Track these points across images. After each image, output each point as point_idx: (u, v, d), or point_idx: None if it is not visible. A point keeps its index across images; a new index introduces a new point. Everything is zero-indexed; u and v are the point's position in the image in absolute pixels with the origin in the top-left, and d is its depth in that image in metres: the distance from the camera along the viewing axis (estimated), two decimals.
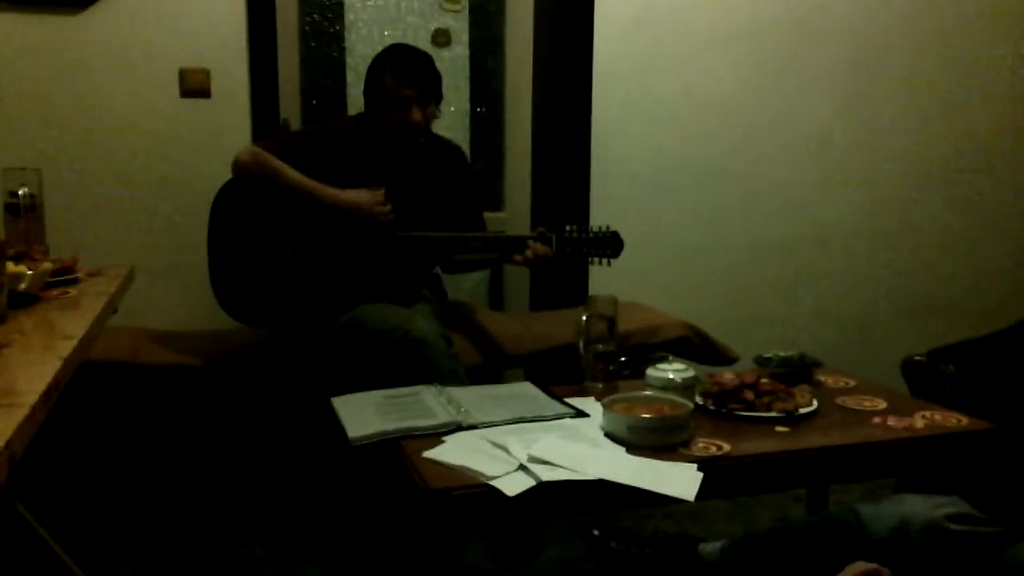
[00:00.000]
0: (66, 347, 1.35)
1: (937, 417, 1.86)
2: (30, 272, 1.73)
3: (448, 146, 2.76)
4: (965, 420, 1.85)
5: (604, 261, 2.50)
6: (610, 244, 2.49)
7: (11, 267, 1.68)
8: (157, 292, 2.90)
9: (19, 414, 1.01)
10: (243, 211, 2.53)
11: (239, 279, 2.52)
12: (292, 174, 2.47)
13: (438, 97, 2.58)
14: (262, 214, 2.51)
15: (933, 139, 3.63)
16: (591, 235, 2.50)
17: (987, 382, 2.32)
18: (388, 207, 2.51)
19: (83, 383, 1.71)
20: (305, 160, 2.49)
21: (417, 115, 2.50)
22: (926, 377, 2.34)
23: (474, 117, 3.40)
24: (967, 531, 1.52)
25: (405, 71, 2.49)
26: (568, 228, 2.50)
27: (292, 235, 2.52)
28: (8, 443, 0.92)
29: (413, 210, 2.56)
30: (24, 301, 1.69)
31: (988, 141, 3.67)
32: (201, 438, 2.65)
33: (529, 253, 2.45)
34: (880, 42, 3.50)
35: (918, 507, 1.52)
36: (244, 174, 2.49)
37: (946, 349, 2.43)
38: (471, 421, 1.80)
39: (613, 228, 2.50)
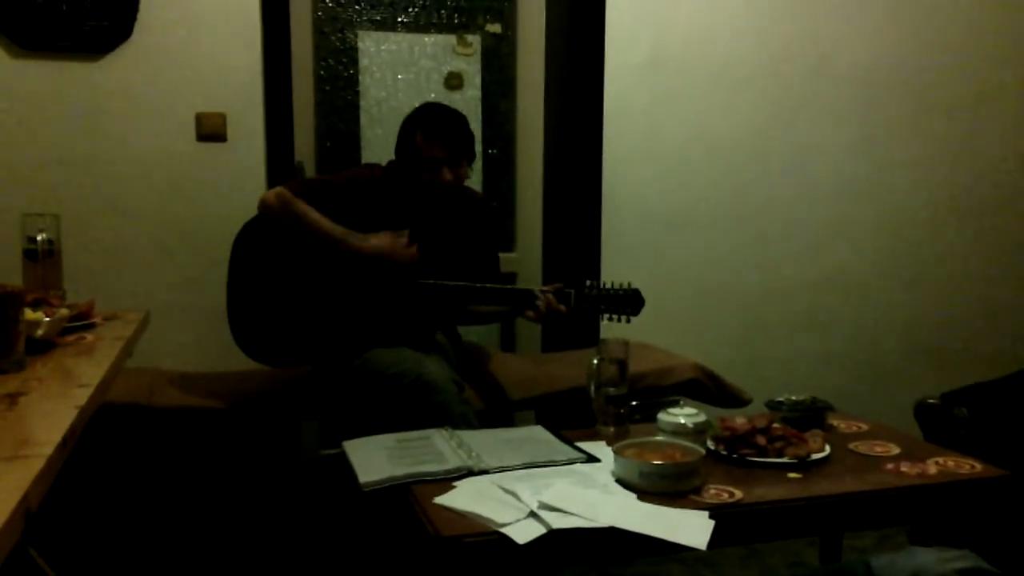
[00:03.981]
0: (82, 395, 1.37)
1: (951, 463, 1.85)
2: (47, 319, 1.76)
3: (474, 197, 2.78)
4: (979, 467, 1.83)
5: (623, 319, 2.42)
6: (630, 302, 2.41)
7: (29, 314, 1.70)
8: (172, 334, 2.91)
9: (36, 466, 1.02)
10: (265, 250, 2.55)
11: (258, 317, 2.53)
12: (317, 218, 2.48)
13: (471, 157, 2.59)
14: (284, 254, 2.54)
15: (944, 178, 3.63)
16: (611, 292, 2.41)
17: (1001, 426, 2.30)
18: (413, 249, 2.52)
19: (99, 424, 1.72)
20: (330, 208, 2.51)
21: (448, 176, 2.52)
22: (939, 420, 2.34)
23: (486, 159, 3.43)
24: None
25: (438, 133, 2.50)
26: (588, 284, 2.43)
27: (312, 276, 2.54)
28: (25, 496, 0.93)
29: (436, 257, 2.57)
30: (41, 347, 1.71)
31: (1000, 179, 3.68)
32: (215, 480, 2.66)
33: (541, 305, 2.40)
34: (890, 82, 3.52)
35: (930, 560, 1.50)
36: (269, 215, 2.51)
37: (959, 392, 2.42)
38: (482, 466, 1.80)
39: (634, 286, 2.41)
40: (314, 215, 2.48)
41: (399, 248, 2.51)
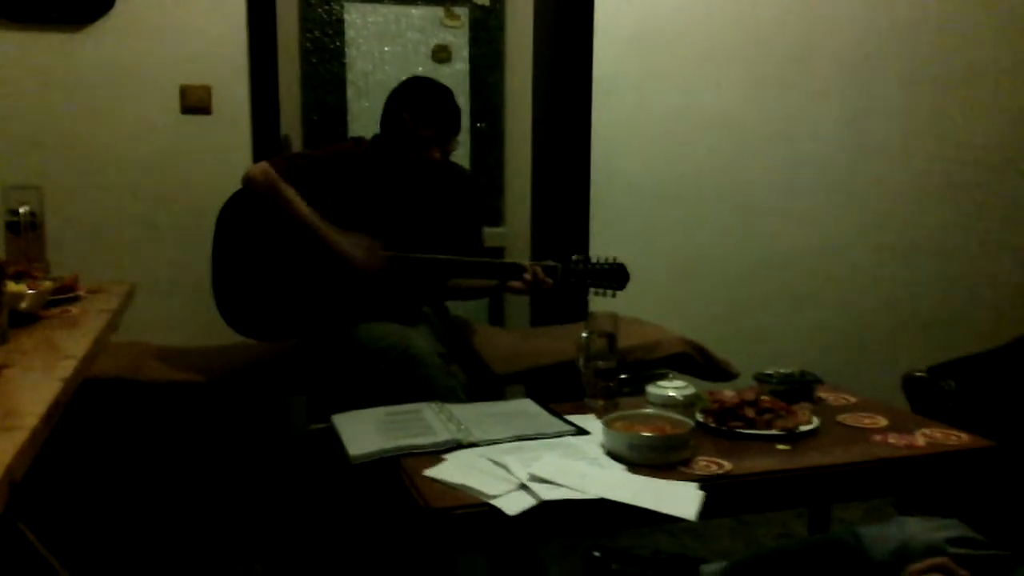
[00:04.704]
0: (67, 367, 1.36)
1: (938, 435, 1.86)
2: (31, 291, 1.74)
3: (460, 173, 2.76)
4: (966, 438, 1.84)
5: (608, 293, 2.43)
6: (615, 277, 2.42)
7: (11, 286, 1.68)
8: (157, 308, 2.89)
9: (20, 437, 1.01)
10: (250, 224, 2.53)
11: (243, 291, 2.52)
12: (297, 204, 2.47)
13: (457, 131, 2.56)
14: (268, 227, 2.52)
15: (933, 152, 3.64)
16: (597, 267, 2.42)
17: (988, 398, 2.32)
18: (383, 261, 2.49)
19: (84, 399, 1.71)
20: (315, 183, 2.50)
21: (437, 154, 2.50)
22: (927, 393, 2.34)
23: (474, 132, 3.41)
24: (967, 554, 1.52)
25: (426, 111, 2.47)
26: (575, 259, 2.44)
27: (297, 249, 2.52)
28: (9, 467, 0.92)
29: (420, 236, 2.55)
30: (25, 320, 1.69)
31: (988, 154, 3.68)
32: (202, 454, 2.65)
33: (528, 276, 2.41)
34: (879, 56, 3.52)
35: (918, 529, 1.51)
36: (253, 191, 2.50)
37: (947, 365, 2.43)
38: (472, 439, 1.80)
39: (619, 260, 2.42)
40: (295, 200, 2.47)
41: (369, 258, 2.49)
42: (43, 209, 2.21)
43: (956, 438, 1.84)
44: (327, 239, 2.49)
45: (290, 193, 2.47)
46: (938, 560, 1.41)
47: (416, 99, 2.49)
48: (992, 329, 3.52)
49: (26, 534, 1.81)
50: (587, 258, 2.45)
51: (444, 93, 2.53)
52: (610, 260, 2.43)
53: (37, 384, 1.28)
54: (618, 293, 2.43)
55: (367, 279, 2.50)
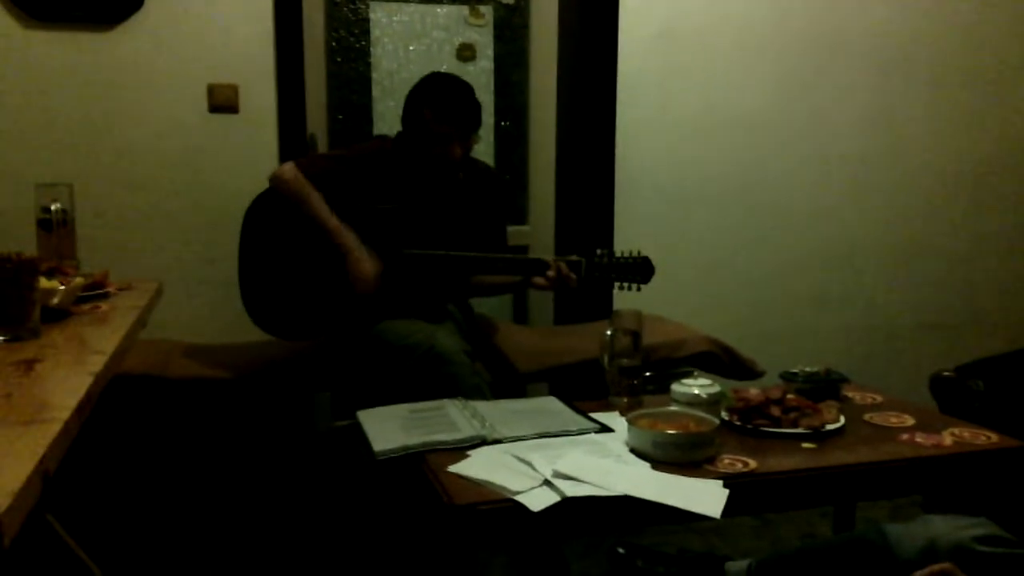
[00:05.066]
0: (97, 362, 1.37)
1: (966, 434, 1.84)
2: (62, 287, 1.76)
3: (484, 170, 2.77)
4: (995, 438, 1.83)
5: (633, 287, 2.43)
6: (640, 270, 2.42)
7: (43, 282, 1.70)
8: (185, 305, 2.92)
9: (53, 430, 1.03)
10: (275, 223, 2.55)
11: (269, 290, 2.54)
12: (319, 209, 2.48)
13: (477, 127, 2.57)
14: (294, 226, 2.54)
15: (960, 150, 3.60)
16: (621, 260, 2.42)
17: (1017, 399, 2.29)
18: (367, 289, 2.49)
19: (114, 395, 1.73)
20: (341, 183, 2.51)
21: (457, 150, 2.50)
22: (954, 393, 2.32)
23: (498, 131, 3.41)
24: (995, 553, 1.50)
25: (447, 108, 2.47)
26: (599, 253, 2.43)
27: (323, 248, 2.53)
28: (42, 459, 0.94)
29: (445, 233, 2.56)
30: (56, 316, 1.71)
31: (1015, 150, 3.64)
32: (228, 450, 2.67)
33: (552, 273, 2.41)
34: (904, 54, 3.49)
35: (946, 528, 1.50)
36: (279, 190, 2.52)
37: (975, 365, 2.41)
38: (496, 436, 1.80)
39: (644, 253, 2.42)
40: (318, 205, 2.48)
41: (364, 276, 2.49)
42: (74, 206, 2.23)
43: (985, 438, 1.83)
44: (341, 245, 2.50)
45: (314, 197, 2.48)
46: (944, 566, 1.39)
47: (436, 96, 2.50)
48: (1021, 329, 3.48)
49: (55, 527, 1.83)
50: (611, 252, 2.45)
51: (464, 89, 2.53)
52: (634, 254, 2.42)
53: (68, 378, 1.29)
54: (642, 289, 2.42)
55: (356, 297, 2.51)
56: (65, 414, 1.08)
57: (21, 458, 0.92)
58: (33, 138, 2.81)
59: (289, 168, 2.51)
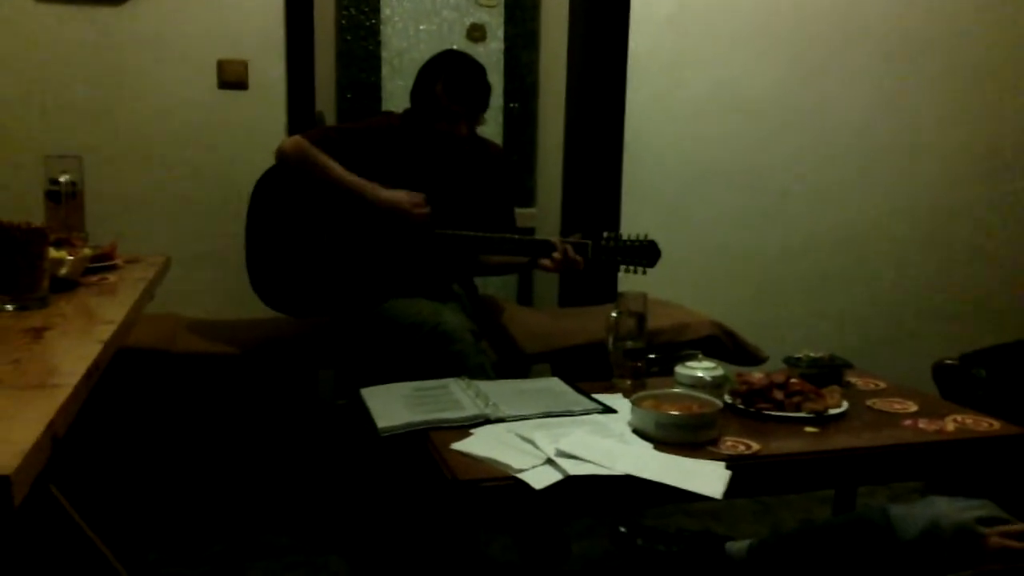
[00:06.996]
0: (106, 331, 1.38)
1: (968, 421, 1.85)
2: (71, 258, 1.76)
3: (491, 148, 2.77)
4: (997, 425, 1.83)
5: (639, 270, 2.43)
6: (646, 254, 2.41)
7: (52, 253, 1.70)
8: (193, 280, 2.93)
9: (62, 394, 1.03)
10: (282, 200, 2.55)
11: (276, 267, 2.55)
12: (335, 168, 2.48)
13: (485, 108, 2.57)
14: (301, 204, 2.54)
15: (969, 138, 3.59)
16: (628, 243, 2.42)
17: (1019, 386, 2.29)
18: (427, 209, 2.50)
19: (120, 369, 1.74)
20: (347, 156, 2.51)
21: (464, 130, 2.51)
22: (957, 381, 2.33)
23: (507, 112, 3.41)
24: None
25: (459, 87, 2.47)
26: (605, 235, 2.43)
27: (330, 226, 2.54)
28: (51, 422, 0.94)
29: (451, 210, 2.57)
30: (64, 286, 1.72)
31: (1021, 142, 3.62)
32: (234, 425, 2.69)
33: (558, 255, 2.40)
34: (916, 39, 3.47)
35: (949, 509, 1.50)
36: (287, 164, 2.51)
37: (978, 353, 2.41)
38: (499, 414, 1.81)
39: (651, 237, 2.41)
40: (331, 164, 2.48)
41: (413, 206, 2.49)
42: (83, 179, 2.23)
43: (987, 425, 1.83)
44: (367, 193, 2.48)
45: (324, 158, 2.48)
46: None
47: (450, 73, 2.50)
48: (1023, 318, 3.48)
49: (58, 498, 1.85)
50: (618, 235, 2.44)
51: (478, 69, 2.53)
52: (641, 237, 2.42)
53: (77, 346, 1.30)
54: (648, 273, 2.42)
55: (418, 228, 2.50)
56: (74, 379, 1.09)
57: (30, 421, 0.93)
58: (42, 113, 2.82)
59: (295, 140, 2.51)
